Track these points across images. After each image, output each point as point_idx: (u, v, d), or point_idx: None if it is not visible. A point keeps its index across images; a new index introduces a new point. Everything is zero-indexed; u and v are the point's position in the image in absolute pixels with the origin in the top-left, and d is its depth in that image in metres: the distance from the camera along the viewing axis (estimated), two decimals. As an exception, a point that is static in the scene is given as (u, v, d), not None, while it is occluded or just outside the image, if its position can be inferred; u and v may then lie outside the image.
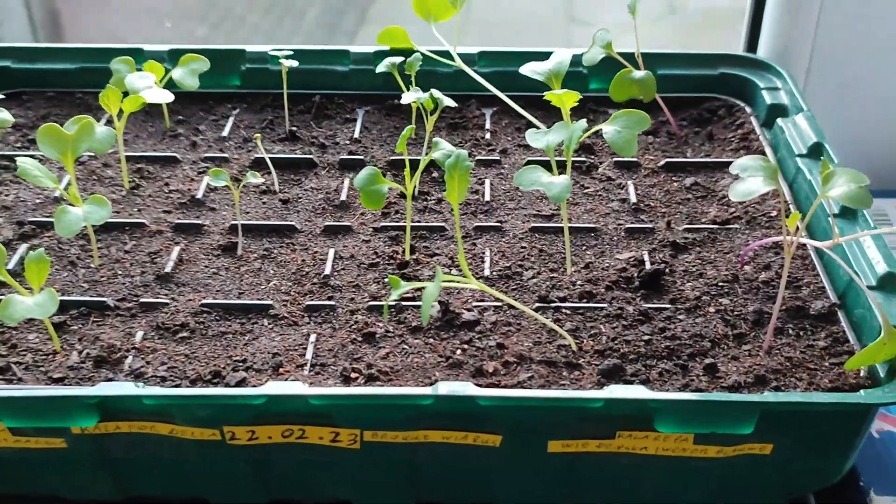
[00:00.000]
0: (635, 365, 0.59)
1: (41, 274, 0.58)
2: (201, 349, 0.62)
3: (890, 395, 0.54)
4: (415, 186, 0.77)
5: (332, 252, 0.70)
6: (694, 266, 0.68)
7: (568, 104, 0.68)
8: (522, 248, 0.71)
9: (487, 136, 0.84)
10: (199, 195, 0.76)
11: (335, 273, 0.68)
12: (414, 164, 0.78)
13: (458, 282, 0.59)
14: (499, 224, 0.73)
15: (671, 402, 0.54)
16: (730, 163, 0.61)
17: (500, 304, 0.64)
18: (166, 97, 0.73)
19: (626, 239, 0.72)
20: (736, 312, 0.64)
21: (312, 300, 0.65)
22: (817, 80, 0.97)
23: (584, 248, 0.71)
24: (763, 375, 0.59)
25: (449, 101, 0.77)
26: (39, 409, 0.54)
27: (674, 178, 0.79)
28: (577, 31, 1.58)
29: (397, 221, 0.73)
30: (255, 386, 0.58)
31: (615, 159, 0.81)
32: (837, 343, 0.62)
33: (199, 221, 0.73)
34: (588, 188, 0.78)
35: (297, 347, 0.61)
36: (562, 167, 0.69)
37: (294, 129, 0.84)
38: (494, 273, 0.68)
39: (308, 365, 0.60)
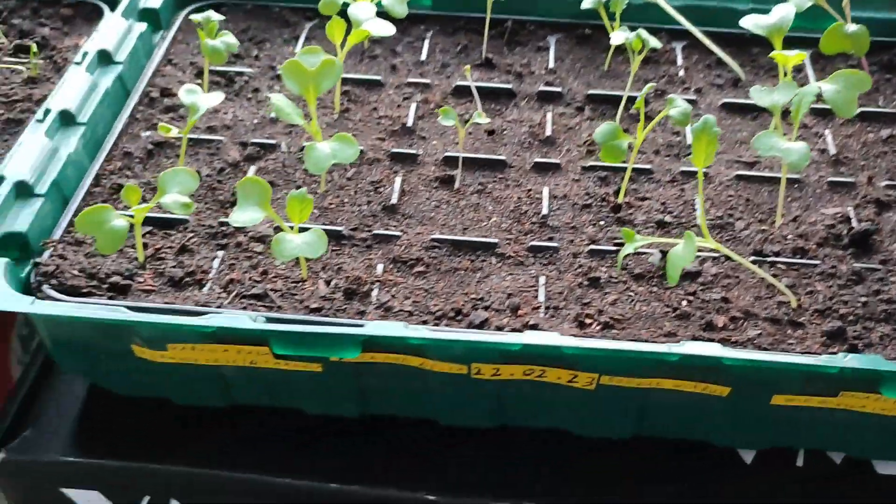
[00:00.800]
0: (855, 327, 0.62)
1: (304, 211, 0.62)
2: (438, 284, 0.66)
3: None
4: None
5: (546, 190, 0.73)
6: (900, 225, 0.71)
7: (792, 63, 0.69)
8: (730, 196, 0.73)
9: (681, 73, 0.85)
10: (409, 123, 0.78)
11: (552, 213, 0.71)
12: (616, 100, 0.80)
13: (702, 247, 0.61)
14: (705, 169, 0.75)
15: (901, 371, 0.57)
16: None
17: (717, 255, 0.67)
18: (389, 29, 0.74)
19: (829, 192, 0.74)
20: (946, 277, 0.66)
21: (535, 240, 0.69)
22: None
23: (789, 199, 0.73)
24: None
25: (655, 42, 0.78)
26: (311, 342, 0.59)
27: (868, 129, 0.80)
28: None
29: (601, 161, 0.76)
30: (497, 327, 0.62)
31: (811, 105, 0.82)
32: None
33: (413, 151, 0.76)
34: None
35: (528, 289, 0.65)
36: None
37: (489, 56, 0.86)
38: (707, 222, 0.70)
39: (542, 308, 0.64)
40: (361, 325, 0.59)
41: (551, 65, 0.85)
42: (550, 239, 0.69)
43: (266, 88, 0.82)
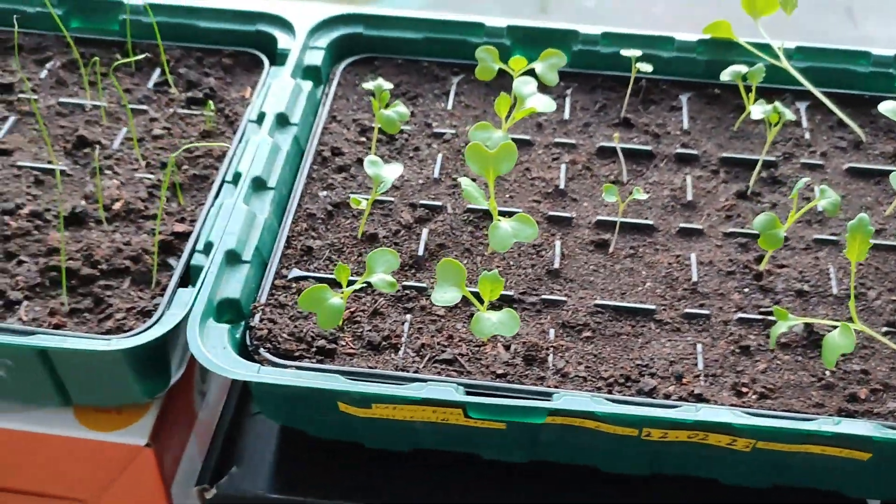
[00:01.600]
0: None
1: (494, 291, 0.69)
2: (605, 349, 0.73)
3: None
4: (748, 187, 0.86)
5: (693, 256, 0.80)
6: None
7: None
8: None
9: (807, 135, 0.91)
10: (561, 185, 0.86)
11: (700, 280, 0.78)
12: (748, 163, 0.87)
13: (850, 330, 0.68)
14: (834, 237, 0.82)
15: None
16: None
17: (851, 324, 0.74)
18: (550, 106, 0.81)
19: (953, 261, 0.80)
20: None
21: (688, 307, 0.76)
22: None
23: (915, 267, 0.80)
24: None
25: (790, 115, 0.84)
26: (505, 411, 0.67)
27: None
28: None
29: (741, 226, 0.83)
30: (665, 395, 0.70)
31: (929, 170, 0.88)
32: None
33: (568, 214, 0.83)
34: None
35: (687, 356, 0.73)
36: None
37: (627, 116, 0.92)
38: (841, 291, 0.78)
39: (702, 376, 0.71)
40: (548, 396, 0.67)
41: (685, 125, 0.92)
42: (702, 306, 0.76)
43: (425, 146, 0.89)
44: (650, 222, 0.82)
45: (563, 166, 0.87)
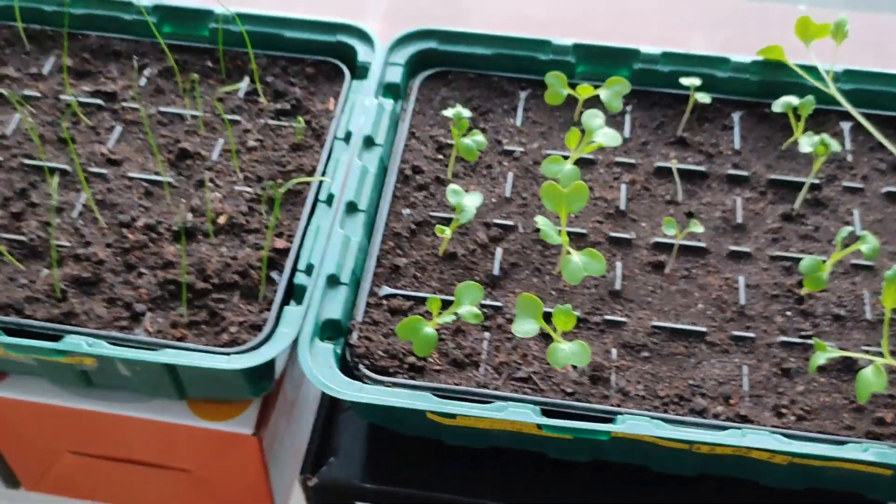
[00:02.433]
0: None
1: (568, 323, 0.79)
2: (661, 368, 0.83)
3: None
4: (794, 209, 0.94)
5: (741, 280, 0.88)
6: None
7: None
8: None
9: (849, 157, 0.99)
10: (622, 206, 0.94)
11: (748, 303, 0.87)
12: (795, 185, 0.95)
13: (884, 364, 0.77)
14: (870, 263, 0.90)
15: None
16: None
17: (880, 349, 0.83)
18: (616, 140, 0.89)
19: (976, 288, 0.89)
20: None
21: (736, 330, 0.85)
22: None
23: (942, 292, 0.88)
24: None
25: (836, 146, 0.91)
26: (575, 430, 0.77)
27: None
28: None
29: (785, 250, 0.91)
30: (714, 414, 0.80)
31: (962, 195, 0.96)
32: None
33: (628, 235, 0.92)
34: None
35: (734, 377, 0.82)
36: None
37: (683, 135, 1.00)
38: (874, 316, 0.86)
39: (747, 397, 0.81)
40: (612, 417, 0.77)
41: (737, 145, 0.99)
42: (748, 328, 0.85)
43: (497, 164, 0.97)
44: (703, 244, 0.91)
45: (624, 186, 0.95)
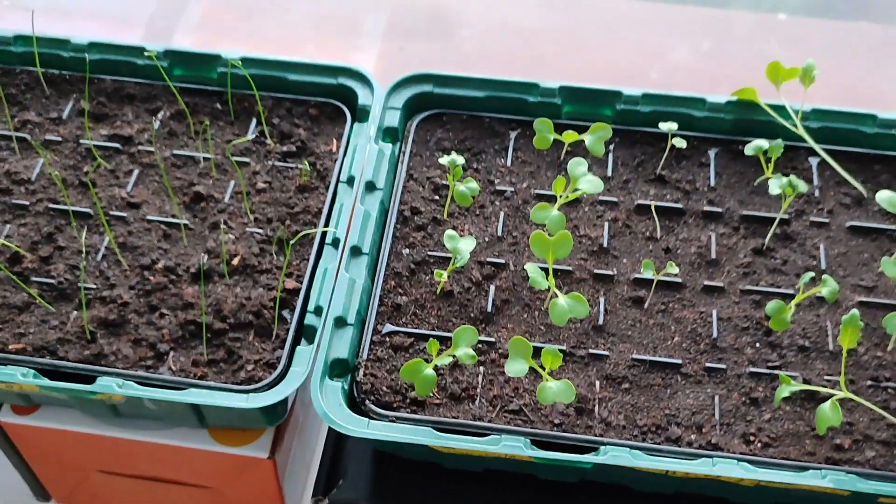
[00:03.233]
0: (945, 448, 0.88)
1: (555, 362, 0.87)
2: (640, 398, 0.91)
3: None
4: (764, 244, 1.02)
5: (714, 313, 0.96)
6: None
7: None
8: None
9: (816, 192, 1.06)
10: (605, 243, 1.01)
11: (719, 335, 0.95)
12: (767, 220, 1.02)
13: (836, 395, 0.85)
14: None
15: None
16: None
17: (836, 378, 0.92)
18: (598, 187, 0.96)
19: (930, 318, 0.97)
20: None
21: (708, 362, 0.93)
22: None
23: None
24: None
25: (803, 187, 0.99)
26: (563, 461, 0.85)
27: (964, 250, 1.02)
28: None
29: (755, 284, 0.99)
30: (688, 442, 0.88)
31: (919, 228, 1.03)
32: None
33: (610, 272, 0.99)
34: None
35: (706, 407, 0.90)
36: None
37: (662, 172, 1.07)
38: (836, 347, 0.94)
39: (718, 425, 0.89)
40: (595, 447, 0.86)
41: (712, 182, 1.07)
42: (720, 360, 0.94)
43: (489, 203, 1.05)
44: (679, 280, 0.99)
45: (606, 224, 1.03)
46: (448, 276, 0.98)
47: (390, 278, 0.98)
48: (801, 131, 1.06)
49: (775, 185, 0.98)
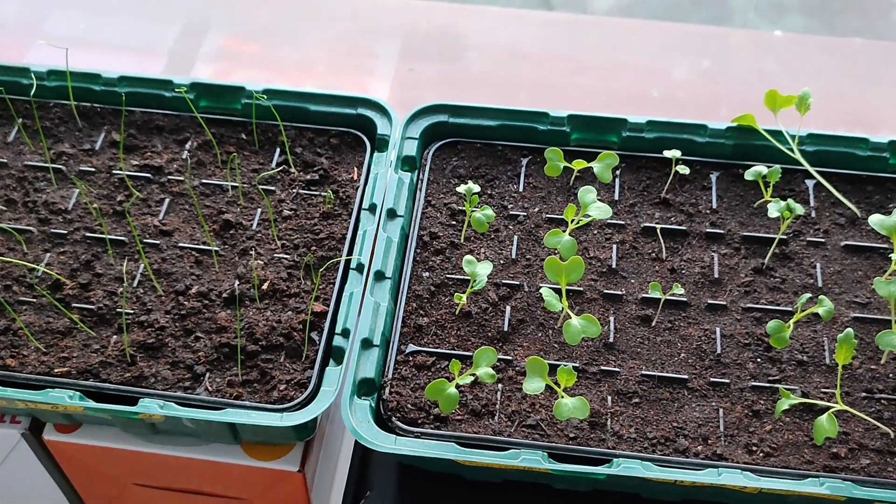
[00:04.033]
0: (936, 456, 0.94)
1: (569, 380, 0.93)
2: (649, 412, 0.97)
3: None
4: (764, 263, 1.08)
5: (718, 330, 1.02)
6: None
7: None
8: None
9: (812, 213, 1.12)
10: (614, 265, 1.07)
11: (723, 351, 1.01)
12: (767, 241, 1.08)
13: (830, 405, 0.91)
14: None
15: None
16: None
17: (833, 391, 0.97)
18: (607, 213, 1.02)
19: (921, 332, 1.02)
20: None
21: (713, 377, 0.99)
22: None
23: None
24: None
25: (800, 210, 1.05)
26: (578, 472, 0.91)
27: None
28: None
29: (756, 302, 1.05)
30: (695, 453, 0.94)
31: (910, 247, 1.09)
32: None
33: (619, 292, 1.05)
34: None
35: (712, 419, 0.96)
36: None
37: (667, 196, 1.13)
38: (832, 361, 1.00)
39: (722, 437, 0.95)
40: (608, 459, 0.91)
41: (714, 204, 1.12)
42: (723, 375, 0.99)
43: (503, 228, 1.11)
44: (684, 299, 1.05)
45: (615, 246, 1.09)
46: (466, 298, 1.03)
47: (412, 300, 1.04)
48: (798, 155, 1.12)
49: (774, 208, 1.04)
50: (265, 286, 1.06)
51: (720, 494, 0.94)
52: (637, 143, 1.16)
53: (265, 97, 1.18)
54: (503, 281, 1.06)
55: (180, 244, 1.10)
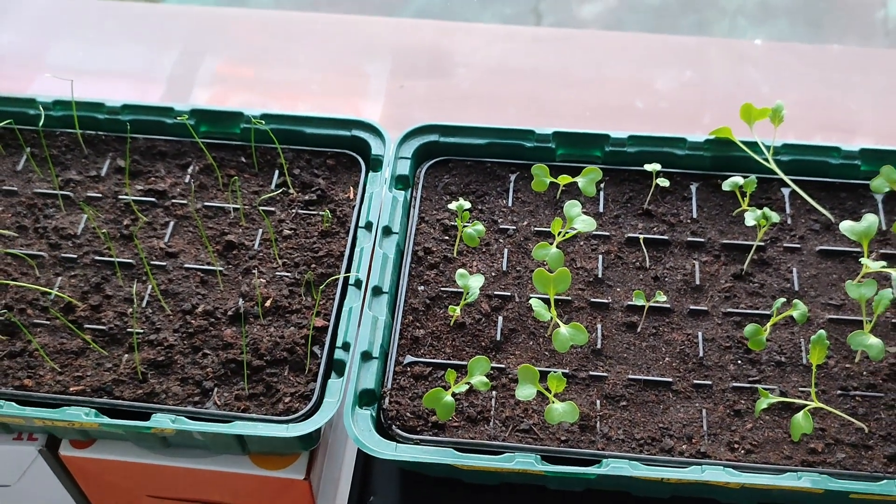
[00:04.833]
0: (907, 449, 0.99)
1: (559, 386, 0.98)
2: (636, 414, 1.02)
3: None
4: (743, 269, 1.13)
5: (700, 334, 1.08)
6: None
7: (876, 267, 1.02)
8: (826, 339, 1.07)
9: (789, 220, 1.17)
10: (600, 274, 1.13)
11: (705, 355, 1.06)
12: (745, 248, 1.14)
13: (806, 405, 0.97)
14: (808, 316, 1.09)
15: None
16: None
17: (810, 390, 1.03)
18: (591, 226, 1.07)
19: (893, 332, 1.08)
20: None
21: (696, 379, 1.04)
22: None
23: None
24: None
25: (775, 218, 1.10)
26: (570, 473, 0.96)
27: (922, 268, 1.13)
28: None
29: (736, 306, 1.10)
30: (679, 452, 0.99)
31: (881, 251, 1.14)
32: None
33: (606, 300, 1.11)
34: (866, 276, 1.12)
35: (696, 420, 1.02)
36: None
37: (649, 207, 1.18)
38: (808, 362, 1.05)
39: (706, 435, 1.00)
40: (598, 460, 0.97)
41: (694, 214, 1.18)
42: (706, 377, 1.05)
43: (494, 241, 1.16)
44: (668, 305, 1.10)
45: (600, 256, 1.14)
46: (460, 310, 1.09)
47: (408, 313, 1.09)
48: (773, 165, 1.17)
49: (750, 217, 1.09)
50: (268, 303, 1.11)
51: (705, 490, 0.99)
52: (620, 157, 1.21)
53: (263, 122, 1.23)
54: (495, 292, 1.11)
55: (186, 265, 1.15)
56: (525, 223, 1.17)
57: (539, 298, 1.04)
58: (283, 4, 2.30)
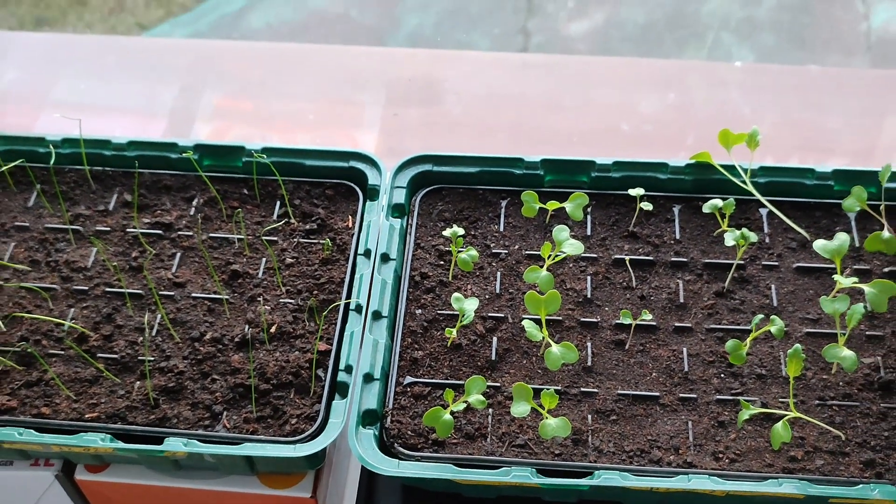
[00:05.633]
0: (880, 455, 1.04)
1: (552, 402, 1.03)
2: (626, 428, 1.08)
3: None
4: (724, 287, 1.19)
5: (685, 350, 1.13)
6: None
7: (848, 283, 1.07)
8: (803, 352, 1.13)
9: (767, 239, 1.23)
10: (588, 294, 1.18)
11: (690, 369, 1.12)
12: (726, 266, 1.19)
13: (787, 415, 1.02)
14: (786, 330, 1.15)
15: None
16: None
17: (786, 400, 1.08)
18: (579, 249, 1.13)
19: (866, 343, 1.13)
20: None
21: (682, 393, 1.10)
22: None
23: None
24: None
25: (753, 238, 1.16)
26: (565, 484, 1.01)
27: None
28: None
29: (718, 323, 1.16)
30: (668, 463, 1.04)
31: (854, 267, 1.20)
32: None
33: (595, 319, 1.16)
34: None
35: (682, 431, 1.07)
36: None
37: (634, 229, 1.24)
38: (787, 374, 1.11)
39: (692, 446, 1.06)
40: (590, 472, 1.02)
41: (677, 235, 1.24)
42: (691, 390, 1.10)
43: (487, 265, 1.22)
44: (654, 323, 1.15)
45: (589, 277, 1.20)
46: (456, 332, 1.14)
47: (407, 336, 1.15)
48: (751, 187, 1.23)
49: (730, 237, 1.15)
50: (273, 329, 1.16)
51: (692, 498, 1.05)
52: (605, 182, 1.27)
53: (264, 155, 1.29)
54: (489, 314, 1.17)
55: (193, 294, 1.20)
56: (516, 247, 1.23)
57: (531, 319, 1.09)
58: (277, 36, 2.37)
